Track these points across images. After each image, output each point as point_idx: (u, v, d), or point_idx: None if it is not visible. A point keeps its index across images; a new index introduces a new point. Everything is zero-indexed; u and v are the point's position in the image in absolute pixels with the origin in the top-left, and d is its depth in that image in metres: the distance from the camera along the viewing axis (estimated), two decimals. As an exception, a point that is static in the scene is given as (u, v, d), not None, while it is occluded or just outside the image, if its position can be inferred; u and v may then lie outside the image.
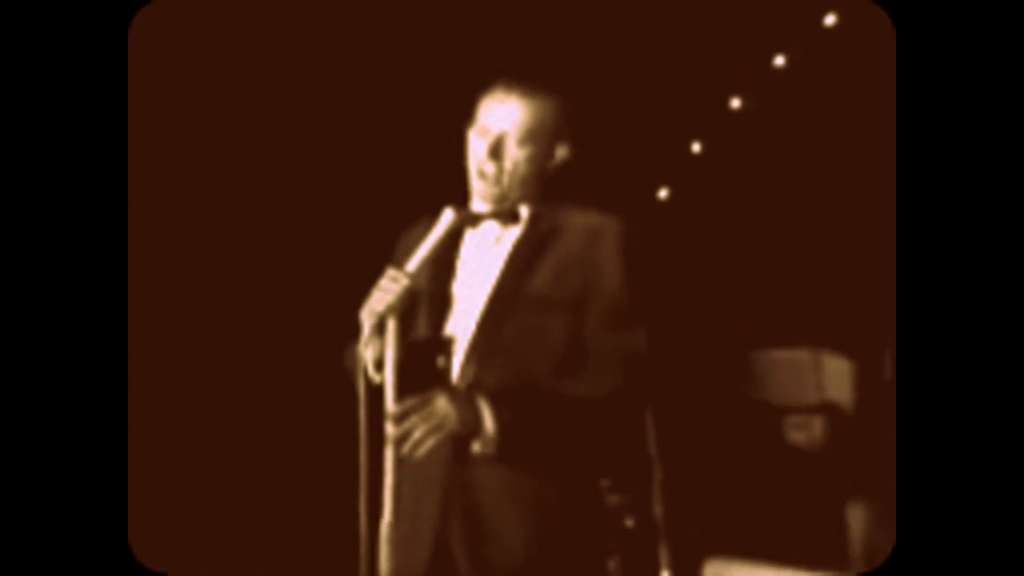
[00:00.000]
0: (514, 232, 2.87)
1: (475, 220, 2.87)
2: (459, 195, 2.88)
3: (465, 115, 2.88)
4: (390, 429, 2.54)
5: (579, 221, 2.82)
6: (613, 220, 2.80)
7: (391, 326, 2.61)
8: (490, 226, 2.88)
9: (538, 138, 2.82)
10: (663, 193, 6.40)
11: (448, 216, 2.71)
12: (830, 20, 5.61)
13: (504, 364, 2.71)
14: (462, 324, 2.79)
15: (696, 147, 6.28)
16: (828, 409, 5.39)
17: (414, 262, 2.66)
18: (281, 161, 5.24)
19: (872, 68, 5.20)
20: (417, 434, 2.53)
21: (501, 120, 2.81)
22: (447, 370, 2.68)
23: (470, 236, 2.90)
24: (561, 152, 2.86)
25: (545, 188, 2.88)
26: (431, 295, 2.83)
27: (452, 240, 2.83)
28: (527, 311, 2.75)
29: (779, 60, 5.82)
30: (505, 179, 2.82)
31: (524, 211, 2.87)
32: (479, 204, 2.88)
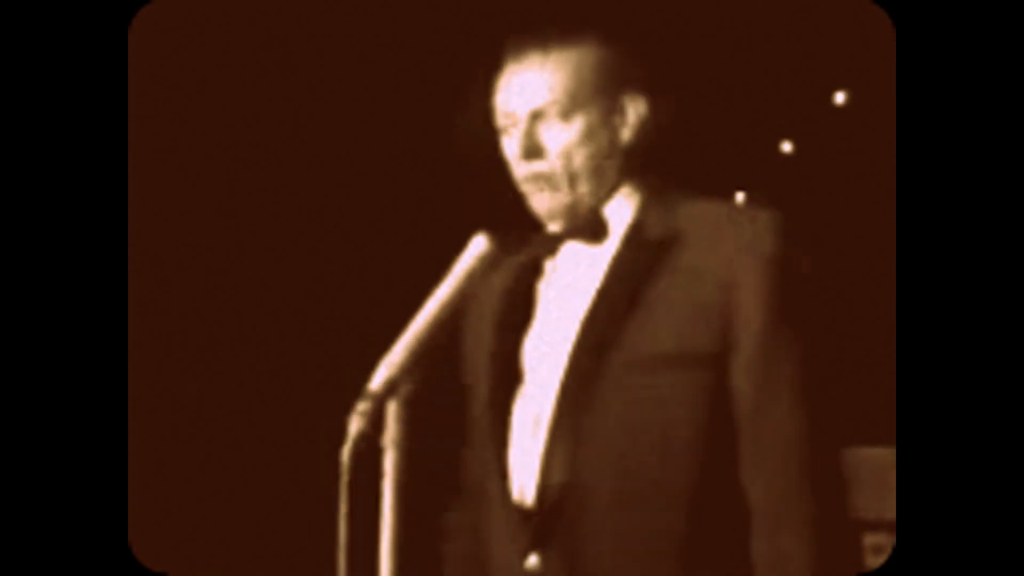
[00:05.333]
0: (607, 252, 1.93)
1: (551, 246, 1.96)
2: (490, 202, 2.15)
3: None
4: None
5: (708, 219, 1.90)
6: (764, 214, 1.90)
7: (390, 474, 1.76)
8: (574, 250, 1.96)
9: (589, 100, 1.93)
10: None
11: (480, 246, 1.77)
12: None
13: (611, 466, 1.83)
14: (533, 407, 1.92)
15: (739, 196, 6.03)
16: None
17: (395, 355, 1.70)
18: (282, 161, 5.24)
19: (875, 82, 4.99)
20: None
21: (524, 95, 1.93)
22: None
23: (550, 271, 2.00)
24: (637, 108, 1.95)
25: (637, 168, 1.97)
26: (492, 364, 1.95)
27: (527, 280, 1.97)
28: (639, 374, 1.84)
29: (839, 97, 5.50)
30: (560, 180, 1.92)
31: (614, 215, 1.94)
32: (551, 223, 2.00)
